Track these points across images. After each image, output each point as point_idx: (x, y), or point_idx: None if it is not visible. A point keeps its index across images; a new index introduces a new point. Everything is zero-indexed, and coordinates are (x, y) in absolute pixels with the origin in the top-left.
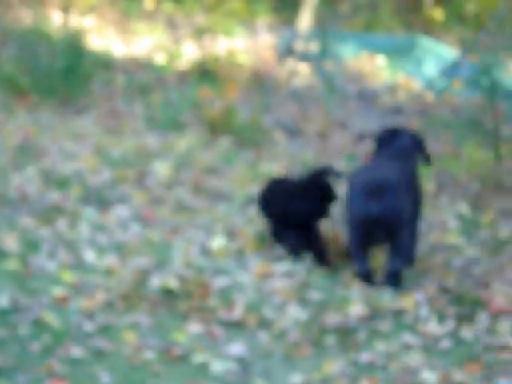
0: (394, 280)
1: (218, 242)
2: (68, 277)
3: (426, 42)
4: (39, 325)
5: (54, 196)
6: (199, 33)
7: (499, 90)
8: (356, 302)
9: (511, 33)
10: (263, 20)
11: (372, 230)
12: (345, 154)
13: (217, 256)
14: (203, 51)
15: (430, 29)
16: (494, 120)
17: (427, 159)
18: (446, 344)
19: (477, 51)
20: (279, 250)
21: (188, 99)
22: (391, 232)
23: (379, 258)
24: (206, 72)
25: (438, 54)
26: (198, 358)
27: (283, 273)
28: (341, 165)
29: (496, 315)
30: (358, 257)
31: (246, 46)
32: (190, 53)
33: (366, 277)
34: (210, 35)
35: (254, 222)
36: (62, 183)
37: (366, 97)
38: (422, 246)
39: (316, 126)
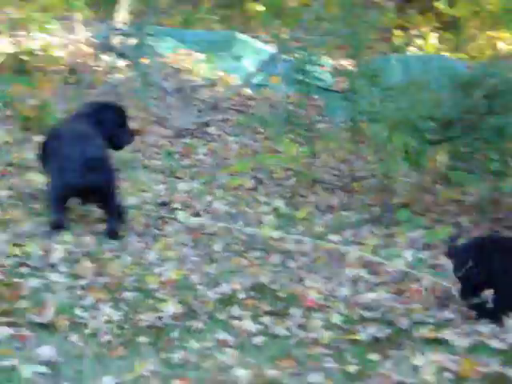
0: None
1: None
2: None
3: (244, 39)
4: None
5: None
6: (12, 26)
7: (314, 85)
8: (170, 300)
9: (326, 29)
10: (79, 15)
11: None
12: (163, 151)
13: None
14: (17, 46)
15: (248, 25)
16: (309, 116)
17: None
18: (259, 340)
19: (291, 48)
20: None
21: (0, 96)
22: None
23: None
24: (21, 67)
25: (255, 51)
26: (7, 362)
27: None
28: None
29: (309, 310)
30: (56, 210)
31: (62, 41)
32: (2, 47)
33: (60, 225)
34: (23, 29)
35: None
36: None
37: (185, 92)
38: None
39: (134, 123)
